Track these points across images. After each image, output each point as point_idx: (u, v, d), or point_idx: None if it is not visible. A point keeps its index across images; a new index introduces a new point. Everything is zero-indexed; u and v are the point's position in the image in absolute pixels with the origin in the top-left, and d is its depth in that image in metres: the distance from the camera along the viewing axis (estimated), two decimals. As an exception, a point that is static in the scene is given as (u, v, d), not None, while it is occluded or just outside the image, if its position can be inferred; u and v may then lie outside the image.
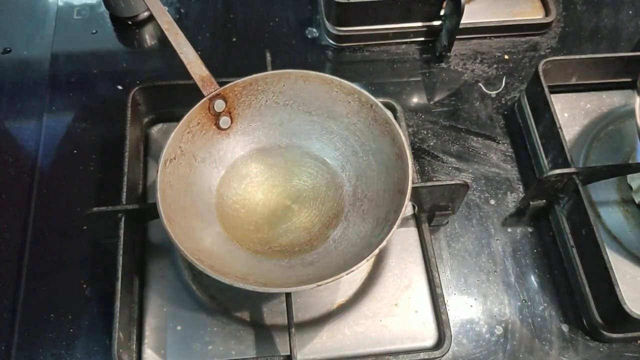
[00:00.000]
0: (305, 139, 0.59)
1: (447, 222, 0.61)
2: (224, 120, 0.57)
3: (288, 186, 0.58)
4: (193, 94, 0.58)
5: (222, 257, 0.52)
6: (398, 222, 0.48)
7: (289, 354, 0.50)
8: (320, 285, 0.46)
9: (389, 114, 0.54)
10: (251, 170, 0.59)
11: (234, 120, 0.58)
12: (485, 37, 0.75)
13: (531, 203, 0.61)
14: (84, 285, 0.57)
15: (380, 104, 0.54)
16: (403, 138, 0.52)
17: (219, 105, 0.56)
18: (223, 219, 0.55)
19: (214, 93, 0.55)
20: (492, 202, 0.63)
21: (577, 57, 0.66)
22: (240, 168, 0.58)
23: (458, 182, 0.55)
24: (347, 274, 0.46)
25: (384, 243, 0.47)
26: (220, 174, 0.57)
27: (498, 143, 0.67)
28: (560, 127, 0.60)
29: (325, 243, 0.54)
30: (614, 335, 0.55)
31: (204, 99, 0.55)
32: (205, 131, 0.56)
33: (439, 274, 0.56)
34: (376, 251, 0.47)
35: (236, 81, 0.56)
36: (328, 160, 0.58)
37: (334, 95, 0.57)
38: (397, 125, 0.53)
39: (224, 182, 0.57)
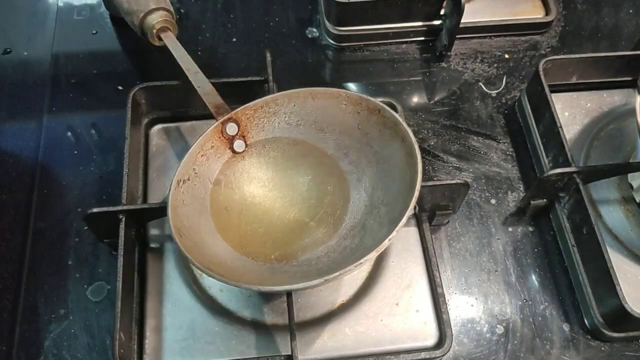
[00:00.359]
0: (321, 157, 0.59)
1: (448, 222, 0.61)
2: (238, 144, 0.57)
3: (305, 204, 0.58)
4: (193, 94, 0.58)
5: (234, 269, 0.51)
6: (407, 214, 0.47)
7: (290, 353, 0.50)
8: (325, 279, 0.45)
9: (396, 115, 0.54)
10: (268, 190, 0.58)
11: (248, 143, 0.58)
12: (485, 37, 0.75)
13: (532, 202, 0.60)
14: (85, 286, 0.57)
15: (387, 108, 0.54)
16: (411, 135, 0.52)
17: (232, 128, 0.57)
18: (240, 237, 0.55)
19: (226, 117, 0.56)
20: (493, 201, 0.63)
21: (578, 56, 0.66)
22: (257, 188, 0.58)
23: (459, 181, 0.55)
24: (355, 266, 0.45)
25: (394, 233, 0.46)
26: (236, 196, 0.57)
27: (498, 142, 0.67)
28: (561, 126, 0.60)
29: (342, 253, 0.54)
30: (615, 335, 0.55)
31: (217, 122, 0.56)
32: (220, 155, 0.57)
33: (439, 274, 0.56)
34: (387, 242, 0.46)
35: (247, 105, 0.57)
36: (344, 175, 0.58)
37: (343, 108, 0.56)
38: (405, 125, 0.53)
39: (241, 202, 0.57)
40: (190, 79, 0.59)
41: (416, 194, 0.48)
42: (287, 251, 0.55)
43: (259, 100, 0.57)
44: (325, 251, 0.54)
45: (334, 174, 0.58)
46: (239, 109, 0.57)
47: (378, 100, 0.57)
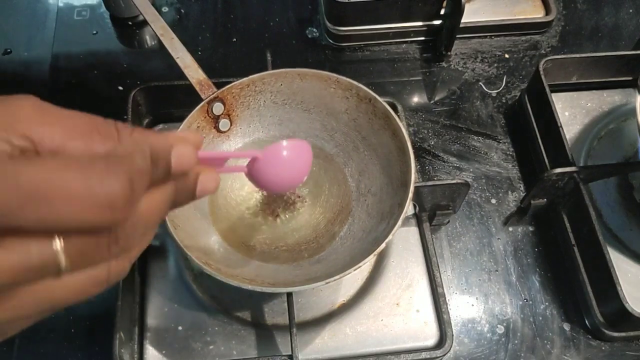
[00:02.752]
0: (306, 137, 0.59)
1: (448, 222, 0.61)
2: (224, 123, 0.57)
3: None
4: (193, 94, 0.57)
5: (229, 259, 0.51)
6: (403, 215, 0.47)
7: (290, 353, 0.50)
8: (328, 282, 0.45)
9: (388, 107, 0.54)
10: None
11: (234, 122, 0.57)
12: (485, 36, 0.75)
13: (532, 202, 0.60)
14: (85, 286, 0.57)
15: (379, 98, 0.54)
16: (404, 131, 0.52)
17: (218, 108, 0.56)
18: (228, 220, 0.55)
19: (212, 96, 0.55)
20: (493, 201, 0.63)
21: (578, 55, 0.66)
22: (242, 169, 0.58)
23: (459, 181, 0.55)
24: (355, 270, 0.45)
25: (390, 237, 0.47)
26: (222, 177, 0.57)
27: (499, 142, 0.67)
28: (561, 126, 0.60)
29: (332, 240, 0.54)
30: (616, 334, 0.55)
31: (202, 102, 0.55)
32: (205, 135, 0.56)
33: (440, 274, 0.56)
34: (383, 245, 0.46)
35: (233, 83, 0.56)
36: (330, 157, 0.58)
37: (331, 91, 0.56)
38: (397, 119, 0.53)
39: (226, 184, 0.57)
40: (165, 46, 0.54)
41: (410, 195, 0.49)
42: (275, 233, 0.55)
43: (245, 78, 0.56)
44: (314, 235, 0.55)
45: (320, 155, 0.58)
46: (225, 87, 0.55)
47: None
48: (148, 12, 0.55)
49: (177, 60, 0.54)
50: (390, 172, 0.53)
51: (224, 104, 0.56)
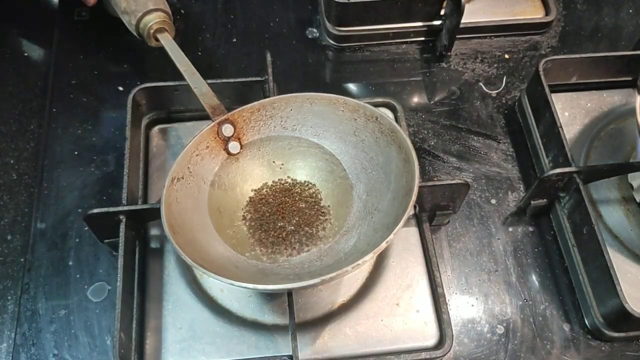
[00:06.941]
0: (315, 161, 0.59)
1: (448, 222, 0.61)
2: (233, 146, 0.58)
3: None
4: (193, 94, 0.58)
5: (227, 269, 0.51)
6: (404, 220, 0.47)
7: (290, 354, 0.50)
8: (325, 279, 0.45)
9: (393, 121, 0.54)
10: (261, 194, 0.58)
11: (243, 146, 0.58)
12: (485, 37, 0.75)
13: (532, 202, 0.61)
14: (85, 286, 0.57)
15: (384, 115, 0.54)
16: (409, 142, 0.52)
17: (228, 130, 0.57)
18: (233, 238, 0.55)
19: (222, 118, 0.56)
20: (493, 201, 0.63)
21: (578, 56, 0.66)
22: (250, 191, 0.58)
23: (459, 181, 0.55)
24: (353, 269, 0.45)
25: (392, 236, 0.46)
26: (229, 197, 0.57)
27: (499, 142, 0.67)
28: (561, 126, 0.60)
29: (335, 257, 0.54)
30: (616, 335, 0.55)
31: (213, 123, 0.56)
32: (215, 155, 0.57)
33: (440, 274, 0.56)
34: (383, 245, 0.46)
35: (244, 107, 0.57)
36: (338, 180, 0.58)
37: (339, 114, 0.57)
38: (402, 132, 0.53)
39: (234, 204, 0.57)
40: (187, 80, 0.59)
41: (413, 197, 0.48)
42: (279, 254, 0.55)
43: (256, 102, 0.57)
44: (318, 254, 0.54)
45: (329, 179, 0.58)
46: (235, 110, 0.57)
47: (377, 100, 0.57)
48: (176, 54, 0.61)
49: (195, 90, 0.58)
50: (397, 187, 0.53)
51: (234, 126, 0.57)
